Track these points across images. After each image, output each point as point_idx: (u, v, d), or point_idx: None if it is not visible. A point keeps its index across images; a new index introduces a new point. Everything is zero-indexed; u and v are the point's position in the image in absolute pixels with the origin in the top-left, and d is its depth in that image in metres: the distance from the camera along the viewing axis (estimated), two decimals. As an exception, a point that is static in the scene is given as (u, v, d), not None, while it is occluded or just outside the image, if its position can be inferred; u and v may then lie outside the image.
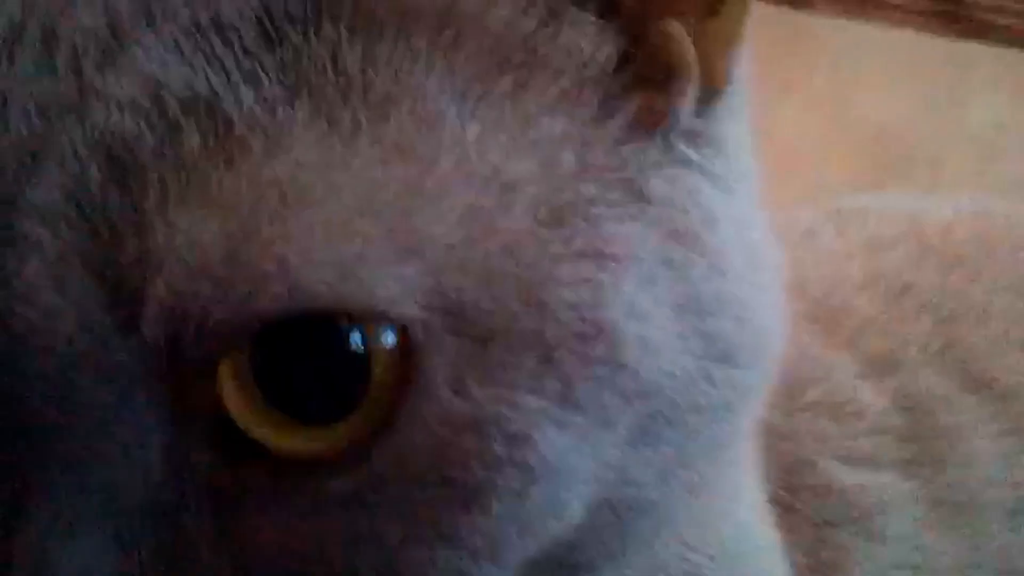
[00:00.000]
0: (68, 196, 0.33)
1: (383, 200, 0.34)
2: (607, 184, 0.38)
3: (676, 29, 0.40)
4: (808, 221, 0.90)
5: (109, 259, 0.33)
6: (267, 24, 0.35)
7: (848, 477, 0.72)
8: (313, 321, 0.34)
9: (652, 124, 0.40)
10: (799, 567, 0.66)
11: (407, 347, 0.34)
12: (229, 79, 0.34)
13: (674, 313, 0.39)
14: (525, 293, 0.35)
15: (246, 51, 0.35)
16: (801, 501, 0.70)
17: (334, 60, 0.35)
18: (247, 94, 0.34)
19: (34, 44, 0.35)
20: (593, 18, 0.39)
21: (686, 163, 0.41)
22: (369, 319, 0.34)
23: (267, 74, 0.35)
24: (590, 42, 0.39)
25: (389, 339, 0.35)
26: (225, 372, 0.34)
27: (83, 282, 0.33)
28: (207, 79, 0.34)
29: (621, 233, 0.37)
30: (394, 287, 0.34)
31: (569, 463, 0.36)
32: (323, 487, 0.35)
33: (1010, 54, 1.53)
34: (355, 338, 0.34)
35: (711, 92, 0.42)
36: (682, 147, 0.41)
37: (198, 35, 0.35)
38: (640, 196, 0.38)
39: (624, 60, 0.40)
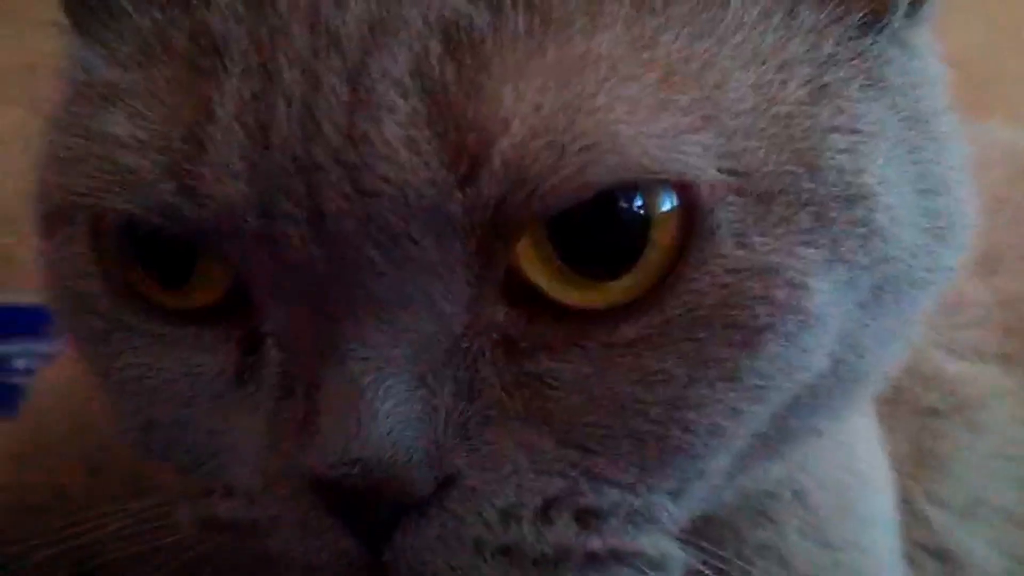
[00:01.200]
0: (412, 68, 0.37)
1: (687, 74, 0.38)
2: (854, 70, 0.42)
3: None
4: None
5: (451, 124, 0.36)
6: None
7: (952, 367, 0.73)
8: (616, 188, 0.37)
9: (873, 25, 0.43)
10: (901, 455, 0.67)
11: (690, 207, 0.38)
12: None
13: (911, 189, 0.43)
14: (802, 158, 0.39)
15: None
16: (907, 390, 0.71)
17: None
18: None
19: None
20: None
21: (905, 60, 0.45)
22: (674, 183, 0.38)
23: None
24: None
25: (670, 202, 0.38)
26: (526, 234, 0.38)
27: (430, 143, 0.36)
28: None
29: (871, 113, 0.41)
30: (700, 154, 0.37)
31: (829, 312, 0.40)
32: (613, 332, 0.38)
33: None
34: (641, 202, 0.38)
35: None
36: (894, 48, 0.44)
37: None
38: (880, 83, 0.42)
39: None
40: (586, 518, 0.40)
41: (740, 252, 0.38)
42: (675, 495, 0.42)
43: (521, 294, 0.39)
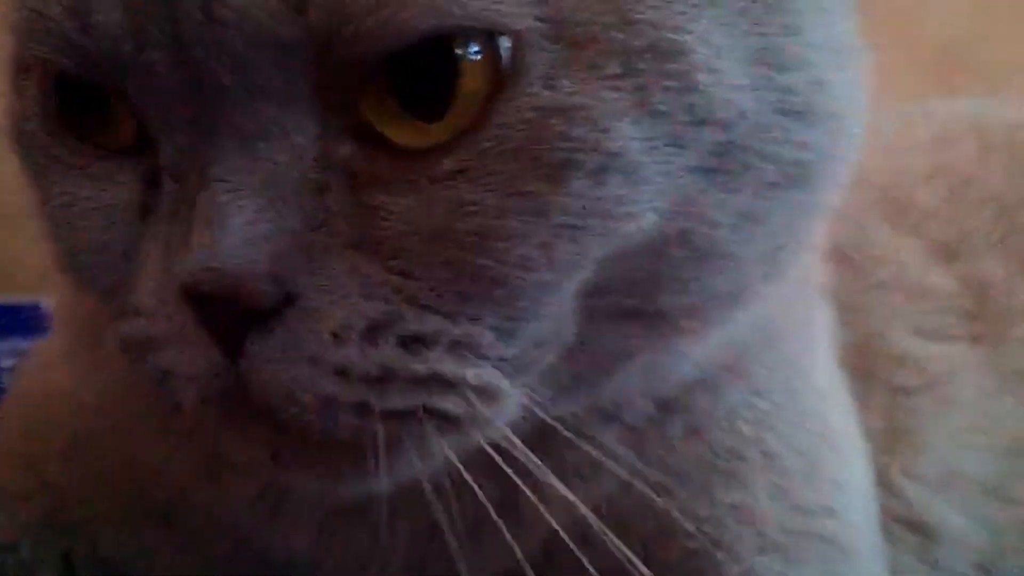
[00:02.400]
0: None
1: None
2: None
3: None
4: (871, 120, 0.92)
5: None
6: None
7: (920, 348, 0.75)
8: (437, 36, 0.40)
9: None
10: (875, 431, 0.69)
11: (498, 53, 0.41)
12: None
13: (748, 58, 0.44)
14: (615, 9, 0.41)
15: None
16: (878, 368, 0.73)
17: None
18: None
19: None
20: None
21: None
22: (487, 30, 0.40)
23: None
24: None
25: (477, 49, 0.41)
26: (368, 80, 0.41)
27: None
28: None
29: None
30: (514, 2, 0.40)
31: (642, 162, 0.42)
32: (436, 165, 0.42)
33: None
34: (458, 48, 0.41)
35: None
36: None
37: None
38: None
39: None
40: (410, 343, 0.43)
41: (546, 92, 0.41)
42: (502, 332, 0.44)
43: (363, 133, 0.42)
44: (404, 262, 0.42)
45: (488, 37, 0.41)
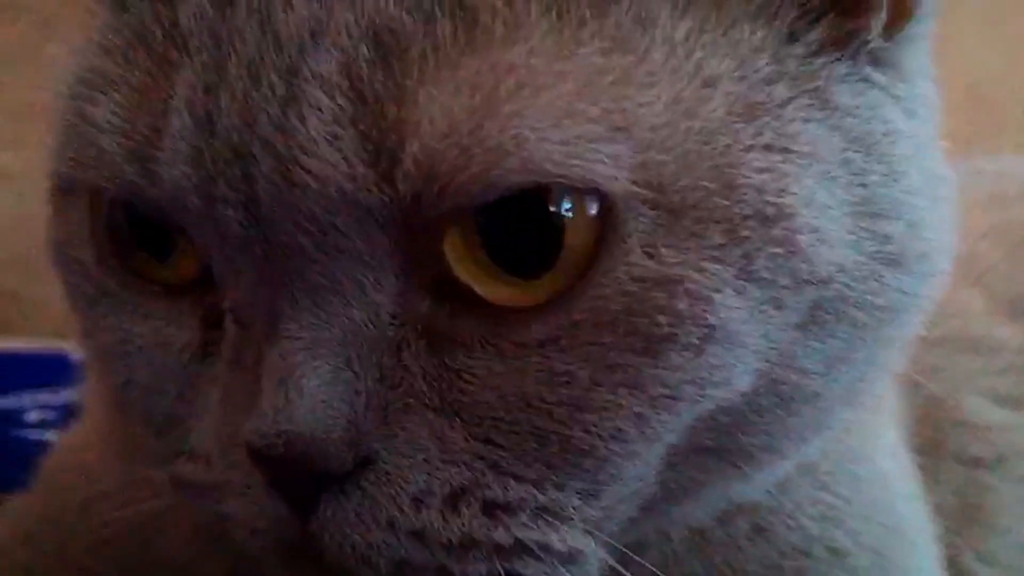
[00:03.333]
0: (341, 69, 0.39)
1: (601, 86, 0.39)
2: (797, 90, 0.42)
3: None
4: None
5: (373, 123, 0.39)
6: None
7: (992, 415, 0.71)
8: (531, 191, 0.39)
9: (841, 44, 0.43)
10: (947, 508, 0.65)
11: (604, 216, 0.39)
12: None
13: (850, 211, 0.42)
14: (717, 175, 0.40)
15: None
16: (947, 437, 0.70)
17: None
18: None
19: None
20: None
21: (871, 81, 0.44)
22: (582, 190, 0.39)
23: None
24: None
25: (590, 209, 0.39)
26: (454, 231, 0.40)
27: (353, 141, 0.39)
28: None
29: (807, 133, 0.41)
30: (608, 163, 0.39)
31: (742, 330, 0.40)
32: (526, 332, 0.40)
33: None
34: (560, 207, 0.39)
35: (899, 19, 0.45)
36: (868, 68, 0.44)
37: None
38: (827, 103, 0.42)
39: None
40: (493, 510, 0.41)
41: (647, 262, 0.39)
42: (586, 495, 0.42)
43: (447, 289, 0.41)
44: (488, 428, 0.41)
45: (585, 197, 0.39)
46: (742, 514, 0.53)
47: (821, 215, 0.41)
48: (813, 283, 0.41)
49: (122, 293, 0.45)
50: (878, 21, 0.44)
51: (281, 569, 0.44)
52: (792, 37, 0.42)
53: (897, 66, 0.45)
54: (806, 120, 0.41)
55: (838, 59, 0.43)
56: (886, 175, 0.43)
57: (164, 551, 0.57)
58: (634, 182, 0.39)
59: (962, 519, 0.68)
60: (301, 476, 0.40)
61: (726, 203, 0.39)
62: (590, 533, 0.43)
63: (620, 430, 0.41)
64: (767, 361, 0.42)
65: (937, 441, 0.68)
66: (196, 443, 0.44)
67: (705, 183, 0.39)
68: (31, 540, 0.63)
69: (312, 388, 0.39)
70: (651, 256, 0.39)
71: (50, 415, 0.83)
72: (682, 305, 0.39)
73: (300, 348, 0.40)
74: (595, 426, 0.40)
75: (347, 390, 0.40)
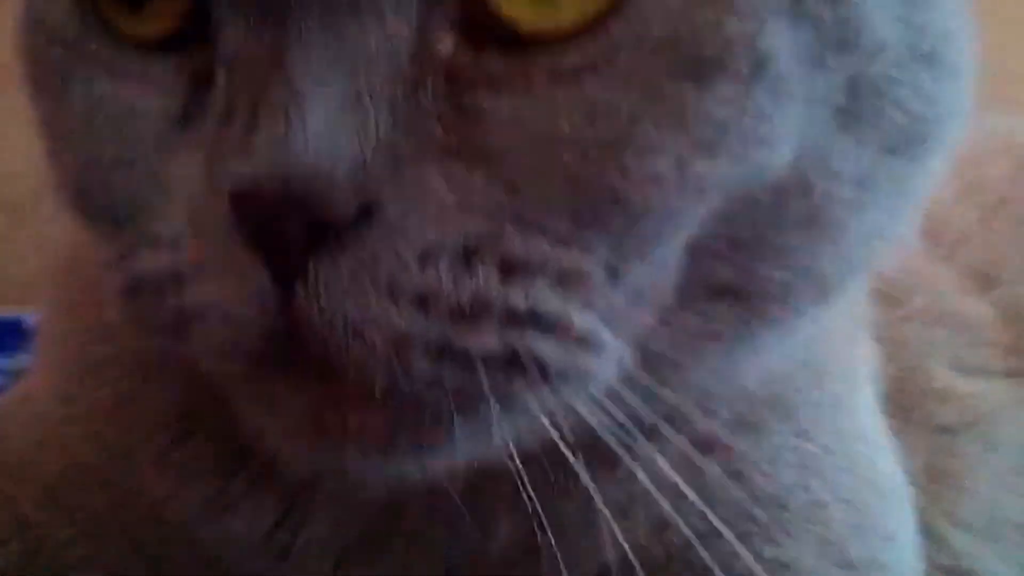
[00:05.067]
0: None
1: None
2: None
3: None
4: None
5: None
6: None
7: (961, 384, 0.71)
8: None
9: None
10: (917, 472, 0.65)
11: None
12: None
13: None
14: None
15: None
16: (917, 405, 0.69)
17: None
18: None
19: None
20: None
21: None
22: None
23: None
24: None
25: None
26: None
27: None
28: None
29: None
30: None
31: (790, 76, 0.37)
32: (559, 59, 0.36)
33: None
34: None
35: None
36: None
37: None
38: None
39: None
40: (511, 269, 0.37)
41: None
42: (610, 272, 0.38)
43: (471, 26, 0.37)
44: (512, 173, 0.36)
45: None
46: (718, 452, 0.50)
47: None
48: (855, 49, 0.39)
49: (97, 50, 0.41)
50: None
51: (251, 380, 0.39)
52: None
53: None
54: None
55: None
56: None
57: (129, 491, 0.54)
58: None
59: (932, 484, 0.67)
60: (292, 227, 0.35)
61: None
62: (608, 326, 0.39)
63: (658, 174, 0.37)
64: (803, 144, 0.39)
65: (906, 407, 0.68)
66: (163, 228, 0.39)
67: None
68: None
69: (317, 117, 0.35)
70: None
71: (4, 380, 0.80)
72: (734, 22, 0.36)
73: (306, 74, 0.35)
74: (633, 168, 0.36)
75: (356, 124, 0.36)
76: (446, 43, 0.37)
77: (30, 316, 0.88)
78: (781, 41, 0.37)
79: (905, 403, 0.68)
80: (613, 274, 0.38)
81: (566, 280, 0.37)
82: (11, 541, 0.57)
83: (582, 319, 0.38)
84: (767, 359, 0.47)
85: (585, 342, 0.38)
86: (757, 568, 0.46)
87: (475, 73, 0.37)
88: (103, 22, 0.41)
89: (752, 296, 0.42)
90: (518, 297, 0.37)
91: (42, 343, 0.60)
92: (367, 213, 0.36)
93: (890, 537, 0.57)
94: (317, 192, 0.35)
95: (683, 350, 0.43)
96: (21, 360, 0.77)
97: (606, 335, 0.39)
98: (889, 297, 0.72)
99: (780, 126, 0.38)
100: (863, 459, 0.57)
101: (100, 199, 0.42)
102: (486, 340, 0.37)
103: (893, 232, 0.45)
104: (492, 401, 0.37)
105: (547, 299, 0.37)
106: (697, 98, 0.36)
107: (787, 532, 0.52)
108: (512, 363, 0.37)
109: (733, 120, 0.37)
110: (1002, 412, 0.72)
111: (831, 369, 0.56)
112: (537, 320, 0.37)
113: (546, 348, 0.37)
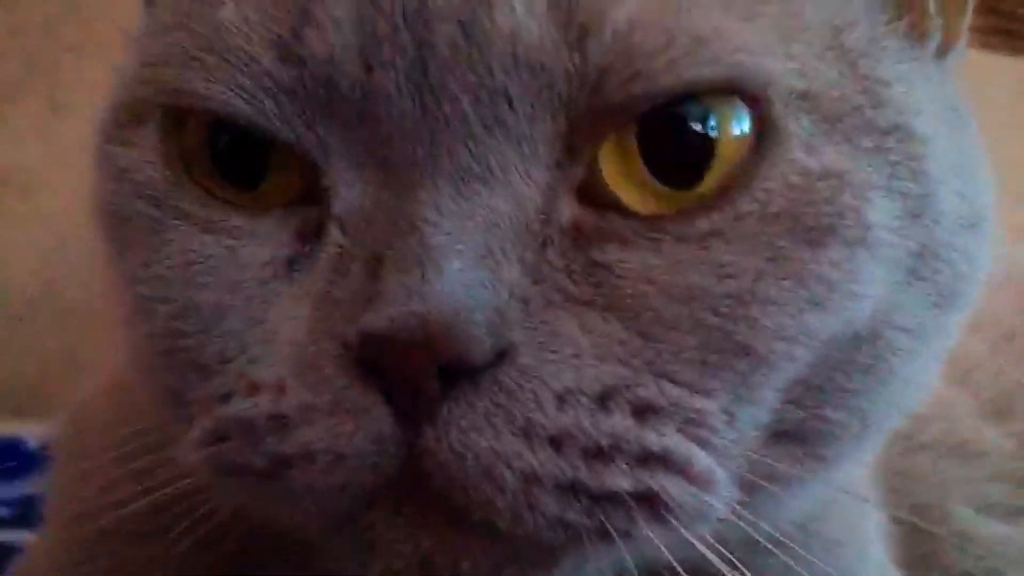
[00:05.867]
0: None
1: None
2: (904, 55, 0.45)
3: None
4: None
5: None
6: None
7: (983, 527, 0.70)
8: (693, 95, 0.39)
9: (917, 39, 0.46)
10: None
11: (762, 121, 0.40)
12: None
13: (951, 163, 0.44)
14: (866, 90, 0.42)
15: None
16: (938, 552, 0.68)
17: None
18: None
19: None
20: None
21: (944, 79, 0.47)
22: (743, 94, 0.39)
23: None
24: None
25: (743, 114, 0.40)
26: (611, 136, 0.39)
27: (543, 3, 0.38)
28: None
29: (920, 88, 0.44)
30: (782, 64, 0.40)
31: (884, 242, 0.41)
32: (686, 225, 0.39)
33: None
34: (716, 111, 0.39)
35: (947, 45, 0.48)
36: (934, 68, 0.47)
37: None
38: (923, 75, 0.45)
39: None
40: (644, 413, 0.38)
41: (810, 158, 0.40)
42: (728, 414, 0.40)
43: (593, 196, 0.40)
44: (644, 323, 0.39)
45: (752, 101, 0.40)
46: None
47: (942, 154, 0.43)
48: (928, 217, 0.43)
49: (196, 211, 0.42)
50: (934, 43, 0.47)
51: (353, 523, 0.39)
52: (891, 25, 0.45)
53: (946, 75, 0.48)
54: (918, 79, 0.44)
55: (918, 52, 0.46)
56: (968, 143, 0.46)
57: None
58: (795, 88, 0.40)
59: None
60: (426, 370, 0.36)
61: (874, 115, 0.41)
62: (722, 462, 0.40)
63: (780, 326, 0.40)
64: (878, 304, 0.42)
65: (926, 555, 0.67)
66: (263, 372, 0.39)
67: (857, 95, 0.41)
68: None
69: (454, 269, 0.37)
70: (813, 153, 0.40)
71: (3, 512, 0.76)
72: (846, 197, 0.40)
73: (439, 231, 0.37)
74: (757, 321, 0.39)
75: (490, 275, 0.37)
76: (571, 205, 0.39)
77: (32, 433, 0.86)
78: (880, 212, 0.41)
79: (923, 548, 0.67)
80: (729, 416, 0.40)
81: (692, 423, 0.39)
82: None
83: (704, 459, 0.40)
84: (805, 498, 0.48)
85: (706, 481, 0.40)
86: None
87: (600, 231, 0.39)
88: (200, 187, 0.42)
89: (811, 436, 0.44)
90: (651, 439, 0.38)
91: (50, 521, 0.58)
92: (501, 356, 0.37)
93: None
94: (456, 335, 0.36)
95: (759, 486, 0.44)
96: (22, 487, 0.75)
97: (720, 473, 0.40)
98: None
99: (869, 284, 0.41)
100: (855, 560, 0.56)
101: (193, 346, 0.42)
102: (619, 480, 0.38)
103: (930, 377, 0.48)
104: (615, 537, 0.38)
105: (676, 441, 0.39)
106: (813, 260, 0.40)
107: None
108: (639, 501, 0.38)
109: (839, 278, 0.40)
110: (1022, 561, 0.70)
111: (842, 541, 0.55)
112: (667, 461, 0.39)
113: (673, 487, 0.39)
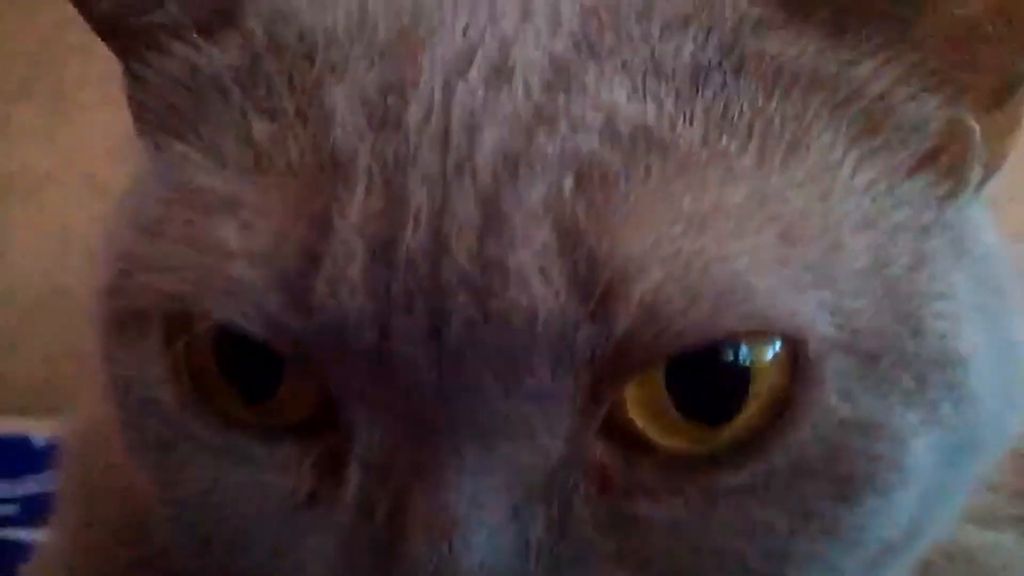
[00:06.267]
0: (545, 201, 0.37)
1: (806, 231, 0.39)
2: (944, 239, 0.43)
3: (971, 121, 0.44)
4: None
5: (583, 258, 0.37)
6: (697, 72, 0.40)
7: (974, 538, 0.71)
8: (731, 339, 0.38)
9: (955, 192, 0.43)
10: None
11: (798, 359, 0.38)
12: (670, 113, 0.39)
13: (994, 357, 0.43)
14: (907, 321, 0.40)
15: (678, 93, 0.40)
16: (932, 562, 0.69)
17: (752, 107, 0.40)
18: (689, 129, 0.39)
19: (489, 68, 0.40)
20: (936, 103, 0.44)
21: (977, 228, 0.45)
22: (787, 336, 0.38)
23: (699, 112, 0.40)
24: (932, 119, 0.43)
25: (781, 355, 0.38)
26: (638, 377, 0.38)
27: (561, 276, 0.37)
28: (654, 112, 0.39)
29: (960, 281, 0.42)
30: (815, 310, 0.38)
31: (922, 473, 0.40)
32: (716, 479, 0.38)
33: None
34: (747, 352, 0.38)
35: (989, 172, 0.46)
36: (976, 216, 0.45)
37: (640, 72, 0.40)
38: (963, 253, 0.43)
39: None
40: None
41: (846, 406, 0.38)
42: None
43: (618, 433, 0.39)
44: None
45: (785, 344, 0.38)
46: None
47: (981, 360, 0.42)
48: (971, 426, 0.42)
49: (210, 438, 0.41)
50: (975, 175, 0.45)
51: None
52: (932, 191, 0.43)
53: (976, 219, 0.46)
54: (957, 269, 0.42)
55: (956, 212, 0.44)
56: (1010, 321, 0.44)
57: None
58: (835, 328, 0.38)
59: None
60: None
61: (915, 348, 0.40)
62: None
63: (813, 571, 0.40)
64: (919, 501, 0.41)
65: (923, 568, 0.68)
66: None
67: (897, 328, 0.40)
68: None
69: (480, 542, 0.37)
70: (849, 400, 0.38)
71: (10, 510, 0.75)
72: (883, 449, 0.39)
73: (463, 497, 0.37)
74: (790, 573, 0.39)
75: (517, 543, 0.38)
76: (595, 449, 0.38)
77: (38, 431, 0.87)
78: (918, 455, 0.40)
79: (922, 560, 0.68)
80: None
81: None
82: None
83: None
84: None
85: None
86: None
87: (628, 481, 0.39)
88: (211, 408, 0.41)
89: None
90: None
91: (60, 526, 0.59)
92: None
93: None
94: None
95: None
96: (27, 486, 0.76)
97: None
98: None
99: (908, 508, 0.41)
100: None
101: (221, 559, 0.42)
102: None
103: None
104: None
105: None
106: (848, 513, 0.39)
107: None
108: None
109: (874, 522, 0.40)
110: (1013, 569, 0.71)
111: None
112: None
113: None
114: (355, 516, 0.39)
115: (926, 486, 0.42)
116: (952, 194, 0.43)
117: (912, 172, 0.43)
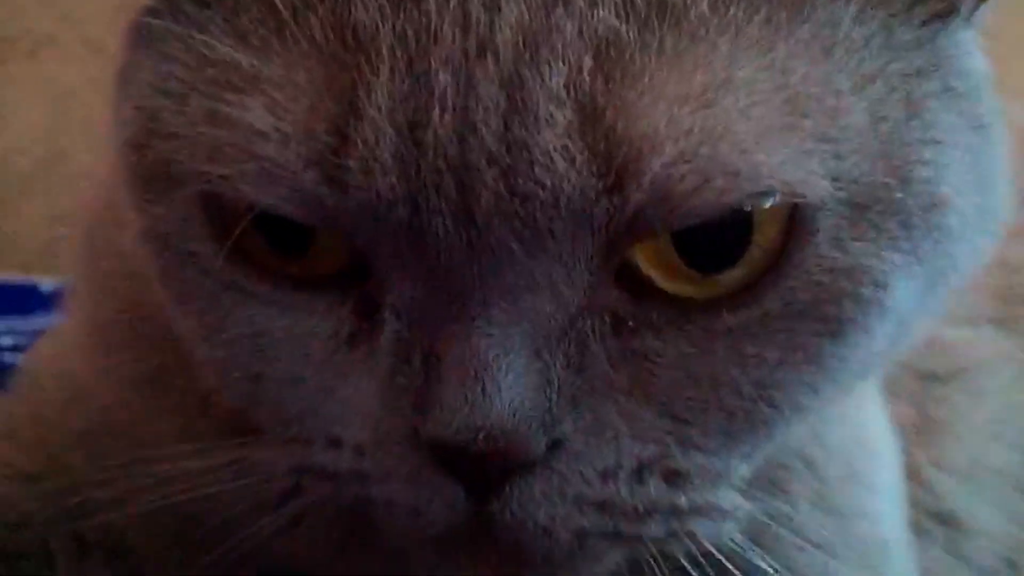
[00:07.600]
0: (566, 80, 0.39)
1: (810, 96, 0.41)
2: (934, 80, 0.44)
3: None
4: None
5: (602, 136, 0.39)
6: None
7: (950, 332, 0.74)
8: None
9: (943, 20, 0.45)
10: (905, 421, 0.67)
11: (793, 213, 0.41)
12: None
13: (975, 191, 0.46)
14: (896, 171, 0.42)
15: None
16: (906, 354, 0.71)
17: None
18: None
19: None
20: None
21: (966, 54, 0.47)
22: (792, 197, 0.41)
23: None
24: None
25: (781, 208, 0.41)
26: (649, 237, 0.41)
27: (582, 153, 0.39)
28: None
29: (946, 121, 0.44)
30: (818, 172, 0.41)
31: (901, 306, 0.44)
32: (716, 320, 0.42)
33: None
34: (753, 209, 0.41)
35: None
36: (965, 43, 0.47)
37: None
38: (951, 90, 0.45)
39: None
40: (673, 478, 0.44)
41: (836, 254, 0.42)
42: (747, 457, 0.46)
43: (631, 278, 0.42)
44: (676, 407, 0.43)
45: (783, 199, 0.41)
46: None
47: (962, 199, 0.44)
48: (950, 257, 0.45)
49: (252, 288, 0.44)
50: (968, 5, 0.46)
51: (437, 553, 0.45)
52: (925, 25, 0.45)
53: (966, 44, 0.47)
54: (944, 110, 0.44)
55: (946, 44, 0.45)
56: (992, 154, 0.47)
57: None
58: (831, 185, 0.41)
59: (920, 431, 0.70)
60: (490, 466, 0.41)
61: (901, 196, 0.42)
62: (740, 489, 0.46)
63: (799, 402, 0.44)
64: (898, 325, 0.46)
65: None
66: (342, 432, 0.44)
67: (887, 179, 0.42)
68: (13, 436, 0.63)
69: (509, 383, 0.41)
70: (839, 248, 0.42)
71: (21, 340, 0.84)
72: (867, 291, 0.42)
73: (492, 344, 0.41)
74: (779, 400, 0.44)
75: (540, 381, 0.41)
76: (611, 297, 0.42)
77: (44, 281, 0.90)
78: (903, 291, 0.44)
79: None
80: (747, 459, 0.46)
81: (716, 479, 0.45)
82: (45, 479, 0.61)
83: (726, 499, 0.46)
84: None
85: (727, 512, 0.46)
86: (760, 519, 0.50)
87: (638, 321, 0.42)
88: (251, 261, 0.44)
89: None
90: (680, 499, 0.44)
91: (74, 302, 0.62)
92: (555, 445, 0.42)
93: (876, 489, 0.60)
94: (515, 443, 0.41)
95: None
96: (37, 321, 0.80)
97: (738, 499, 0.47)
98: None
99: (887, 336, 0.45)
100: (854, 420, 0.60)
101: (270, 404, 0.46)
102: (654, 529, 0.44)
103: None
104: (648, 557, 0.46)
105: (703, 494, 0.45)
106: (832, 346, 0.43)
107: (784, 488, 0.56)
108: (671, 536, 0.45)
109: (856, 352, 0.44)
110: (989, 362, 0.74)
111: None
112: (694, 511, 0.45)
113: (700, 526, 0.45)
114: (392, 360, 0.42)
115: (903, 315, 0.45)
116: (939, 22, 0.45)
117: (908, 16, 0.44)
